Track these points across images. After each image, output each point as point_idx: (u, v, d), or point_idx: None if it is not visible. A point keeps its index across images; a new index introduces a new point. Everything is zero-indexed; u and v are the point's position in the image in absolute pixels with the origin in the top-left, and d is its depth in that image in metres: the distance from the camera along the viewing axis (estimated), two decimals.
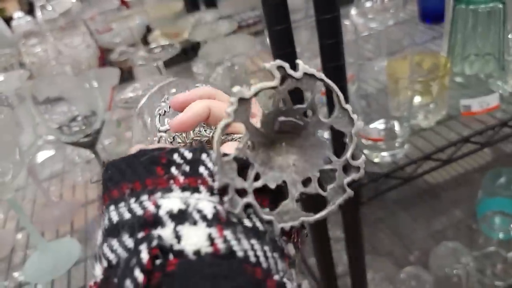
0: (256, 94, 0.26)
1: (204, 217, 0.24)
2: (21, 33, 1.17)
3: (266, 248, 0.25)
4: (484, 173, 1.08)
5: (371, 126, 0.76)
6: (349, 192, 0.28)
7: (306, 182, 0.28)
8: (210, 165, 0.26)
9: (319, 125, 0.29)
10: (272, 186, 0.27)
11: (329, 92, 0.32)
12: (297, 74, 0.27)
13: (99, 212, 0.27)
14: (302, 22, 0.90)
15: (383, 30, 0.91)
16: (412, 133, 0.78)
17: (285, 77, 0.27)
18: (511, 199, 1.02)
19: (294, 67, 0.27)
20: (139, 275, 0.21)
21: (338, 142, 0.64)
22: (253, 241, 0.24)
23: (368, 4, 0.92)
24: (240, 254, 0.24)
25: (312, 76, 0.28)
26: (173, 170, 0.26)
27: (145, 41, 1.15)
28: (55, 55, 1.05)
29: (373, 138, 0.75)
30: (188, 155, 0.26)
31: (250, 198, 0.25)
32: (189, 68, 0.94)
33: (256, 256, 0.24)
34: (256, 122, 0.27)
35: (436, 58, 0.82)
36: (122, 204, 0.25)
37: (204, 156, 0.26)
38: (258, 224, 0.25)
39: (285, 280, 0.24)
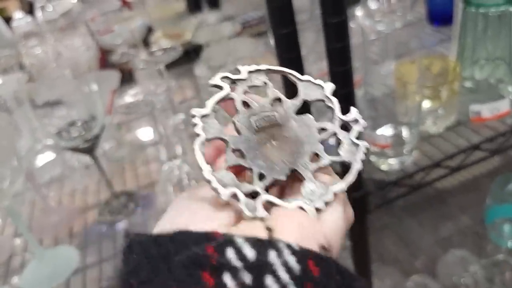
0: (214, 109, 0.27)
1: None
2: (21, 34, 1.16)
3: None
4: (493, 179, 1.05)
5: (378, 132, 0.74)
6: (363, 143, 0.28)
7: (314, 159, 0.28)
8: (282, 273, 0.19)
9: (291, 107, 0.29)
10: (283, 178, 0.26)
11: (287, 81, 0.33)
12: (242, 75, 0.29)
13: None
14: (308, 24, 0.88)
15: (390, 33, 0.89)
16: (421, 139, 0.76)
17: (234, 82, 0.28)
18: None
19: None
20: None
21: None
22: None
23: (374, 6, 0.90)
24: None
25: (257, 71, 0.29)
26: (227, 279, 0.18)
27: (146, 43, 1.13)
28: (55, 56, 1.04)
29: (380, 144, 0.73)
30: (250, 253, 0.19)
31: (266, 195, 0.25)
32: (192, 71, 0.92)
33: None
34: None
35: (445, 62, 0.80)
36: None
37: (272, 256, 0.19)
38: None
39: None
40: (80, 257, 0.72)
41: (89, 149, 0.73)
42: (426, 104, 0.77)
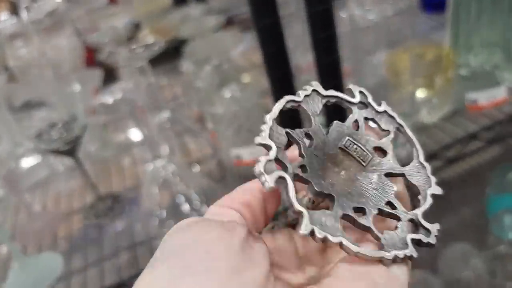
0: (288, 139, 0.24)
1: None
2: (7, 35, 1.13)
3: None
4: (493, 169, 1.02)
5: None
6: (412, 251, 0.23)
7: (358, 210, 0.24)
8: None
9: (386, 167, 0.26)
10: (316, 187, 0.23)
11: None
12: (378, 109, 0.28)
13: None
14: (296, 15, 0.85)
15: (382, 21, 0.86)
16: (415, 130, 0.73)
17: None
18: None
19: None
20: None
21: None
22: None
23: None
24: None
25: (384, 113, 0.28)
26: None
27: (135, 40, 1.11)
28: (40, 57, 1.01)
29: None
30: None
31: (287, 176, 0.22)
32: (178, 67, 0.89)
33: None
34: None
35: (438, 50, 0.77)
36: None
37: None
38: None
39: None
40: (65, 263, 0.70)
41: (71, 151, 0.70)
42: (420, 93, 0.74)
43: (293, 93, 0.27)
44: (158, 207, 0.71)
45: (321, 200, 0.24)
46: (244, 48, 0.82)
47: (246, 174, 0.73)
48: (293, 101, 0.25)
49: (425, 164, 0.27)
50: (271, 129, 0.23)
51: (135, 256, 0.69)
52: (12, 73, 0.98)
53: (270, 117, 0.24)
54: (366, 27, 0.90)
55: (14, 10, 1.26)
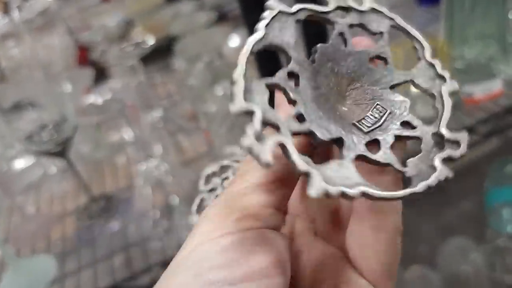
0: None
1: None
2: None
3: None
4: (491, 162, 1.02)
5: None
6: (444, 171, 0.19)
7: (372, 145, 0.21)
8: None
9: (390, 78, 0.22)
10: (321, 136, 0.19)
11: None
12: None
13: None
14: None
15: None
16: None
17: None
18: None
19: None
20: None
21: None
22: None
23: None
24: None
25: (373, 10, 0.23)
26: None
27: (127, 37, 1.10)
28: (31, 57, 1.00)
29: None
30: None
31: (284, 137, 0.18)
32: (171, 65, 0.88)
33: None
34: None
35: (433, 43, 0.76)
36: None
37: None
38: None
39: None
40: (59, 266, 0.69)
41: (62, 152, 0.69)
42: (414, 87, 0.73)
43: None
44: (151, 208, 0.70)
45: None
46: (238, 44, 0.81)
47: None
48: (259, 40, 0.20)
49: (434, 61, 0.23)
50: (245, 88, 0.18)
51: (129, 257, 0.68)
52: (3, 74, 0.97)
53: (238, 74, 0.19)
54: None
55: (6, 9, 1.25)
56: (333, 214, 0.25)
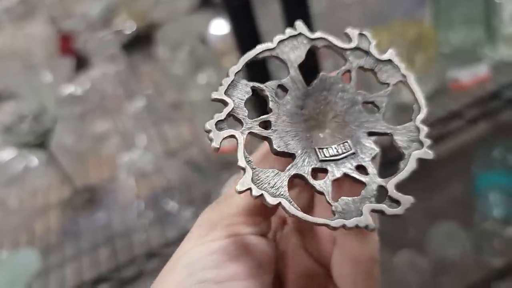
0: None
1: None
2: None
3: None
4: (478, 147, 1.02)
5: None
6: (367, 220, 0.21)
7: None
8: None
9: (372, 124, 0.23)
10: (275, 146, 0.21)
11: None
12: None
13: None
14: None
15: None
16: (397, 109, 0.72)
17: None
18: (507, 172, 0.96)
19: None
20: None
21: None
22: None
23: None
24: None
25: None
26: None
27: (111, 25, 1.08)
28: (11, 46, 0.98)
29: None
30: None
31: (239, 133, 0.21)
32: (153, 53, 0.87)
33: None
34: None
35: (419, 27, 0.75)
36: None
37: None
38: None
39: None
40: (42, 259, 0.68)
41: (42, 144, 0.68)
42: None
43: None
44: (136, 199, 0.69)
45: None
46: (220, 31, 0.79)
47: (227, 162, 0.72)
48: (268, 50, 0.23)
49: (422, 126, 0.24)
50: (233, 83, 0.21)
51: (114, 249, 0.67)
52: None
53: (233, 71, 0.22)
54: (346, 5, 0.88)
55: None
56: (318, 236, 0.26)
